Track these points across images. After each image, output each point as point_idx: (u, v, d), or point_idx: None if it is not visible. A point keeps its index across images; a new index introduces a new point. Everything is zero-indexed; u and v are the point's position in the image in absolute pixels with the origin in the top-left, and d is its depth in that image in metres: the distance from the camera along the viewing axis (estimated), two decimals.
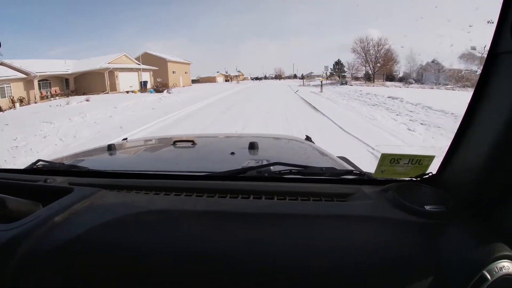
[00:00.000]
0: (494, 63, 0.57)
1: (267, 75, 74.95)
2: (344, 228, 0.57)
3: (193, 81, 63.31)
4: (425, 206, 0.61)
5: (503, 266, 0.49)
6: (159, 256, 0.52)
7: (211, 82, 56.43)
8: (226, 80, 61.56)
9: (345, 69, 42.83)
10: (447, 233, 0.56)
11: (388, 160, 0.71)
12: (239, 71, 61.35)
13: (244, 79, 70.67)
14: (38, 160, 1.02)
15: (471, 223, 0.58)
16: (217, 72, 65.51)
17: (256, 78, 70.33)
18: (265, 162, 0.91)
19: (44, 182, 0.78)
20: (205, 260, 0.51)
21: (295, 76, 73.72)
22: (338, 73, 43.18)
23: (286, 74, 71.48)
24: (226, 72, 68.25)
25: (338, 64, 44.31)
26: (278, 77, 65.62)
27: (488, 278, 0.48)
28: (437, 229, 0.56)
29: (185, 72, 37.37)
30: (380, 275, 0.48)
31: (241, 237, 0.55)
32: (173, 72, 33.21)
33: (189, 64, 39.30)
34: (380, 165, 0.71)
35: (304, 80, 42.04)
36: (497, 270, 0.49)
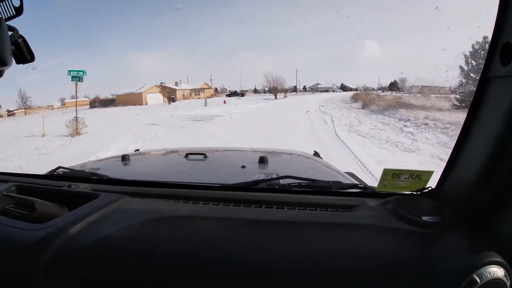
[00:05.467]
0: (486, 86, 0.63)
1: (258, 88, 44.59)
2: (348, 236, 0.63)
3: (109, 102, 31.52)
4: (422, 217, 0.65)
5: (492, 271, 0.53)
6: (181, 259, 0.56)
7: (135, 104, 25.47)
8: (170, 99, 29.94)
9: None
10: (442, 241, 0.60)
11: (390, 174, 0.76)
12: (173, 83, 31.31)
13: (213, 95, 39.39)
14: (59, 167, 1.07)
15: (465, 233, 0.62)
16: (156, 84, 33.56)
17: (234, 94, 39.24)
18: (274, 176, 0.95)
19: (68, 188, 0.81)
20: (227, 264, 0.55)
21: (295, 89, 43.93)
22: None
23: (286, 86, 41.19)
24: (176, 84, 36.10)
25: None
26: (274, 91, 34.81)
27: (477, 281, 0.52)
28: (432, 237, 0.61)
29: None
30: (377, 278, 0.54)
31: (257, 241, 0.60)
32: None
33: None
34: (382, 179, 0.77)
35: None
36: (486, 275, 0.52)
